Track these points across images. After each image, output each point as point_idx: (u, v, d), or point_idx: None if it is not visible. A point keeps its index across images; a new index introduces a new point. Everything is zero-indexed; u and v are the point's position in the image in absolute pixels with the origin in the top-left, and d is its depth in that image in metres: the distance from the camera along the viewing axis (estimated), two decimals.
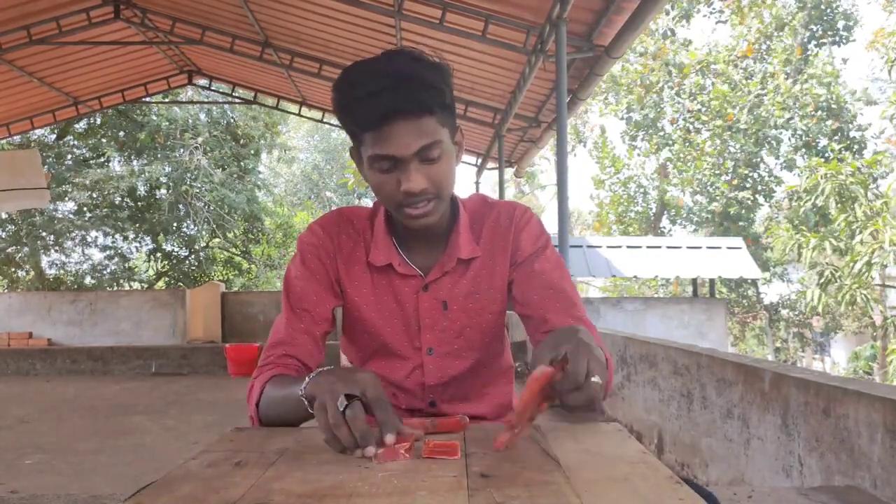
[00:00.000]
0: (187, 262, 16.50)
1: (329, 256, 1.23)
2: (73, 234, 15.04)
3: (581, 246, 10.41)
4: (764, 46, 16.76)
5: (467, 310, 1.25)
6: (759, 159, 16.75)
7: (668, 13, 16.84)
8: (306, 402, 0.98)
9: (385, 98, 1.01)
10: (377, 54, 1.08)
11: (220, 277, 16.16)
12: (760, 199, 17.05)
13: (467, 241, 1.23)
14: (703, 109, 16.50)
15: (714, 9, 17.49)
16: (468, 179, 26.37)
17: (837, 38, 16.71)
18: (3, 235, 14.63)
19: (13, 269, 15.28)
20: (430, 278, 1.23)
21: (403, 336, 1.25)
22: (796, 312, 16.77)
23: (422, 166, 1.07)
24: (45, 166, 13.47)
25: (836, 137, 15.96)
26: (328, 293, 1.23)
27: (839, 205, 11.56)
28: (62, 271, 15.64)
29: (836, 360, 19.92)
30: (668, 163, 17.86)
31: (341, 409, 0.89)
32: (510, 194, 22.53)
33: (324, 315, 1.23)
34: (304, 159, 24.18)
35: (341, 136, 23.07)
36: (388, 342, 1.25)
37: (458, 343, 1.26)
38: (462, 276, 1.24)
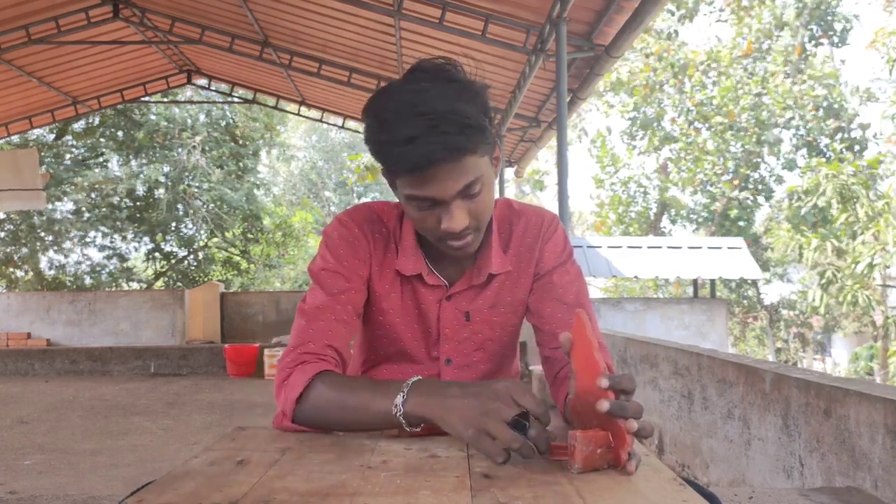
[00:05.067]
0: (186, 262, 16.50)
1: (365, 254, 1.19)
2: (72, 235, 15.03)
3: (581, 246, 10.41)
4: (764, 45, 16.77)
5: (491, 322, 1.23)
6: (759, 159, 16.77)
7: (672, 13, 16.86)
8: (404, 422, 0.95)
9: (422, 145, 0.95)
10: (407, 76, 1.02)
11: (219, 277, 16.15)
12: (761, 200, 17.07)
13: (498, 254, 1.20)
14: (706, 108, 16.51)
15: (714, 8, 17.53)
16: None
17: (836, 40, 16.73)
18: (2, 236, 14.62)
19: (12, 270, 15.27)
20: (454, 289, 1.20)
21: (422, 344, 1.23)
22: (797, 313, 16.78)
23: (463, 203, 1.04)
24: (44, 166, 13.47)
25: (838, 137, 15.98)
26: (363, 288, 1.19)
27: (840, 205, 11.58)
28: (61, 271, 15.63)
29: (837, 361, 19.93)
30: (668, 162, 17.87)
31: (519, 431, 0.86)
32: (510, 194, 22.51)
33: (359, 310, 1.19)
34: (304, 158, 24.18)
35: (340, 136, 23.09)
36: (407, 348, 1.23)
37: (477, 355, 1.24)
38: (486, 289, 1.22)
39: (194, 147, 14.56)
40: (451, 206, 1.03)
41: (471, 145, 0.99)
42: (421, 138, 0.95)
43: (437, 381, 0.97)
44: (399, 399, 0.95)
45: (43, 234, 14.65)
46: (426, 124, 0.95)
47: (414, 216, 1.08)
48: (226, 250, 16.80)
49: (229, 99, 11.68)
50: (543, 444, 0.85)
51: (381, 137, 1.00)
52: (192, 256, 16.41)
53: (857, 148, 15.93)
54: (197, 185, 15.08)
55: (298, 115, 11.84)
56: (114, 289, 15.18)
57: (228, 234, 16.08)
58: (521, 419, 0.88)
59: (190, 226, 15.77)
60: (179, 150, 14.65)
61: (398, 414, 0.94)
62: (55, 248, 15.21)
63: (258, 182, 16.48)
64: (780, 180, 16.88)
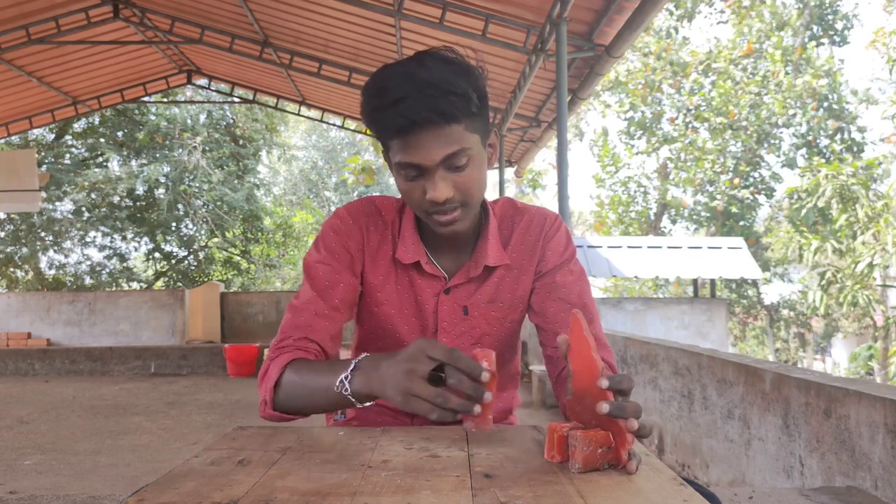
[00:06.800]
0: (186, 261, 16.50)
1: (357, 246, 1.21)
2: (72, 234, 15.04)
3: (581, 246, 10.42)
4: (765, 45, 16.77)
5: (489, 317, 1.24)
6: (759, 158, 16.77)
7: (671, 13, 16.85)
8: (353, 400, 0.98)
9: (409, 106, 0.99)
10: (409, 56, 1.06)
11: (220, 277, 16.16)
12: (761, 199, 17.07)
13: (496, 247, 1.21)
14: (704, 108, 16.51)
15: (715, 9, 17.53)
16: None
17: (836, 40, 16.73)
18: (2, 236, 14.62)
19: (12, 270, 15.27)
20: (453, 282, 1.21)
21: (419, 336, 1.23)
22: (797, 313, 16.78)
23: (448, 174, 1.06)
24: (44, 166, 13.47)
25: (838, 137, 15.98)
26: (354, 280, 1.21)
27: (840, 205, 11.59)
28: (61, 271, 15.64)
29: (837, 361, 19.93)
30: (668, 162, 17.87)
31: (444, 383, 0.89)
32: (510, 194, 22.50)
33: (349, 302, 1.20)
34: (303, 158, 24.18)
35: (340, 135, 23.09)
36: (404, 341, 1.24)
37: (474, 350, 1.26)
38: (485, 283, 1.23)
39: (194, 147, 14.56)
40: (435, 175, 1.05)
41: (455, 112, 1.01)
42: (407, 100, 1.00)
43: (377, 356, 1.00)
44: (345, 380, 0.99)
45: (43, 234, 14.66)
46: (413, 88, 1.00)
47: (402, 187, 1.10)
48: (226, 250, 16.81)
49: (229, 99, 11.68)
50: (470, 388, 0.87)
51: (372, 103, 1.04)
52: (192, 256, 16.42)
53: (856, 149, 15.93)
54: (197, 185, 15.08)
55: (298, 115, 11.85)
56: (114, 289, 15.18)
57: (229, 234, 16.09)
58: (439, 373, 0.90)
59: (190, 226, 15.77)
60: (179, 150, 14.65)
61: (346, 394, 0.98)
62: (55, 248, 15.21)
63: (258, 182, 16.49)
64: (778, 179, 16.88)
